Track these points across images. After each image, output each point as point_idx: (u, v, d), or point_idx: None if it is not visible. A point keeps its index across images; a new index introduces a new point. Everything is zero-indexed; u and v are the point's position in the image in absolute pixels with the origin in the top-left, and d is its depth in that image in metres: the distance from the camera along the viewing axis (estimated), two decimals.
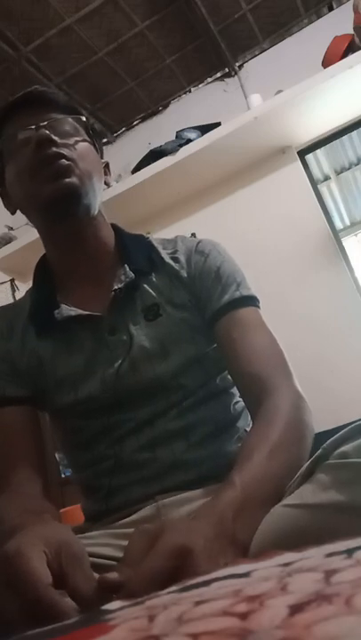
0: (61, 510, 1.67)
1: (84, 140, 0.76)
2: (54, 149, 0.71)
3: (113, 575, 0.39)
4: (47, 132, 0.71)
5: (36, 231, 0.82)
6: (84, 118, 0.78)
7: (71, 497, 1.76)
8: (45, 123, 0.72)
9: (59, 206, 0.72)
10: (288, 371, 0.70)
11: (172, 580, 0.34)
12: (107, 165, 0.85)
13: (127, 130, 2.86)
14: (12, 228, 2.53)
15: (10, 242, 2.41)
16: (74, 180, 0.71)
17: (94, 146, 0.79)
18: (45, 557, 0.42)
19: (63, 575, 0.41)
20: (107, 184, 0.83)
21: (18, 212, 0.82)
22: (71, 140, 0.74)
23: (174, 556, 0.38)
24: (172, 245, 0.85)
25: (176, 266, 0.80)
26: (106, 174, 0.84)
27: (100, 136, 0.83)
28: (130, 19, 2.23)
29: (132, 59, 2.46)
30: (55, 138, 0.72)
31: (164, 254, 0.82)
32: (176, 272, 0.80)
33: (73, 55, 2.34)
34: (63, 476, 2.09)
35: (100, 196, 0.80)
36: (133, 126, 2.86)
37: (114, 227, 0.86)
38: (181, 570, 0.38)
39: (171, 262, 0.81)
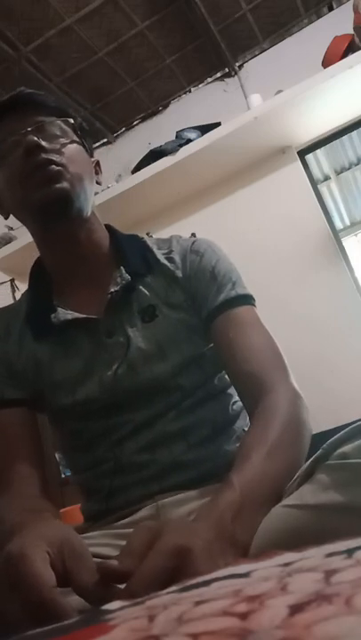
0: (61, 510, 1.67)
1: (72, 142, 0.76)
2: (43, 156, 0.71)
3: (113, 562, 0.39)
4: (35, 138, 0.71)
5: None
6: (72, 120, 0.77)
7: (71, 497, 1.75)
8: (33, 127, 0.72)
9: (50, 211, 0.73)
10: (285, 369, 0.70)
11: (171, 581, 0.34)
12: (97, 164, 0.85)
13: (127, 130, 2.86)
14: (12, 228, 2.53)
15: (10, 242, 2.40)
16: (64, 184, 0.72)
17: (84, 146, 0.79)
18: (49, 558, 0.42)
19: (67, 573, 0.41)
20: (98, 183, 0.84)
21: None
22: (60, 144, 0.74)
23: (174, 556, 0.38)
24: (166, 245, 0.85)
25: (171, 266, 0.80)
26: (97, 173, 0.84)
27: (90, 134, 0.82)
28: (130, 19, 2.23)
29: (132, 59, 2.46)
30: (44, 143, 0.71)
31: (159, 255, 0.82)
32: (171, 272, 0.80)
33: (73, 55, 2.34)
34: (63, 476, 2.09)
35: (92, 197, 0.80)
36: (133, 126, 2.86)
37: (108, 228, 0.85)
38: (181, 571, 0.38)
39: (166, 263, 0.81)
